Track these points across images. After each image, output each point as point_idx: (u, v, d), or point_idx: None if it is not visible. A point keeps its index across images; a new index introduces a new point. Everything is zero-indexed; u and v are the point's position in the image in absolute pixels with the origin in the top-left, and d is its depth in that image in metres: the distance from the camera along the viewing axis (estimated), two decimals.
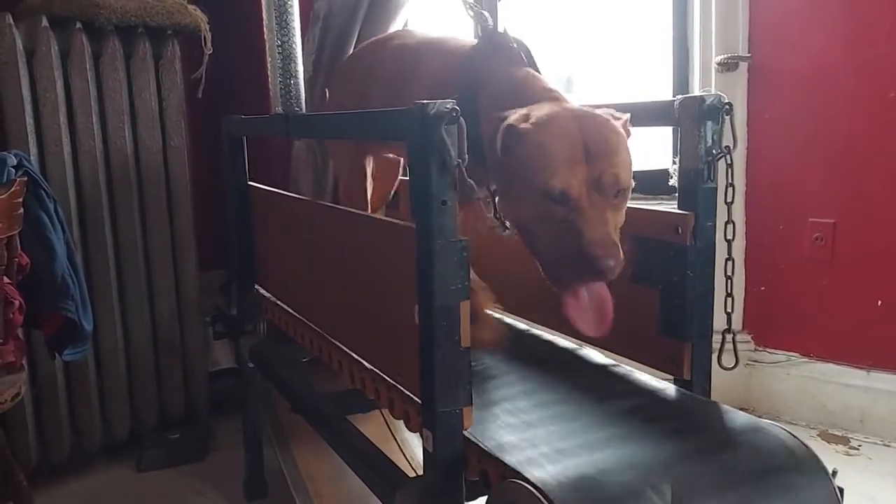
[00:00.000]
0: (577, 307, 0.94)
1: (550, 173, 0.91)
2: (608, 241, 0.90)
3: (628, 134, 0.99)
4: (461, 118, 0.87)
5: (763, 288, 2.17)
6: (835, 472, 0.88)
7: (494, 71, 1.09)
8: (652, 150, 2.20)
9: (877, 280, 1.99)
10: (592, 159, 0.92)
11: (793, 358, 2.14)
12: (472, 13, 1.19)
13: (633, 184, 0.98)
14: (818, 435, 2.03)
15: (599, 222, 0.90)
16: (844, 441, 2.00)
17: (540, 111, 0.97)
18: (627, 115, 1.00)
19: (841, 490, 0.88)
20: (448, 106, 0.86)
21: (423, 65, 1.22)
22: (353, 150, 1.51)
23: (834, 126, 2.01)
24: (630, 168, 0.96)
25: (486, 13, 1.16)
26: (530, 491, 0.79)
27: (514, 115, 0.96)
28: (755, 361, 2.18)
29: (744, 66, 2.11)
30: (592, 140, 0.93)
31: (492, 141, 0.97)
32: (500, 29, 1.13)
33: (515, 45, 1.11)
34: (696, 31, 2.16)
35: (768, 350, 2.18)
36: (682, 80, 2.22)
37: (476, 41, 1.17)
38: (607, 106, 1.01)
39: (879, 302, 1.99)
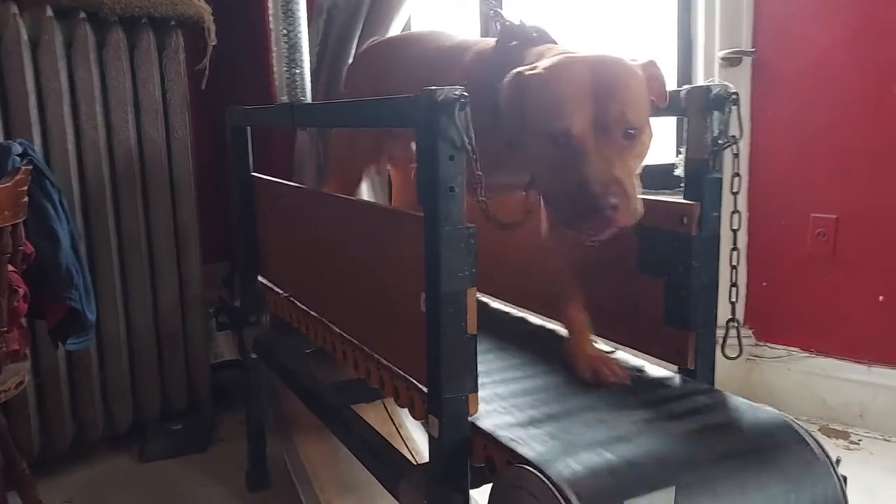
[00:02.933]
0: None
1: (554, 114, 0.91)
2: (609, 178, 0.88)
3: (659, 80, 0.97)
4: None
5: (764, 283, 2.17)
6: (838, 461, 0.89)
7: (517, 57, 1.10)
8: (656, 143, 2.20)
9: (878, 276, 1.99)
10: (599, 98, 0.90)
11: (794, 353, 2.14)
12: (490, 10, 1.20)
13: (652, 133, 0.96)
14: (819, 429, 2.04)
15: (602, 161, 0.89)
16: (845, 435, 2.00)
17: (548, 60, 0.97)
18: (652, 59, 0.98)
19: (844, 478, 0.88)
20: (456, 92, 0.86)
21: (456, 62, 1.22)
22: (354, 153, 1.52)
23: (837, 122, 2.01)
24: (642, 108, 0.93)
25: (497, 10, 1.17)
26: (535, 475, 0.80)
27: (522, 67, 0.96)
28: (756, 356, 2.18)
29: (747, 60, 2.11)
30: (601, 80, 0.91)
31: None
32: (516, 22, 1.14)
33: (535, 34, 1.12)
34: (699, 26, 2.16)
35: (769, 345, 2.18)
36: (685, 74, 2.22)
37: (496, 40, 1.17)
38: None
39: (881, 297, 1.99)
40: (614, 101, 0.90)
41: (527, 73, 0.95)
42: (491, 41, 1.21)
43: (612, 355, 1.14)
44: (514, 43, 1.12)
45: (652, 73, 0.97)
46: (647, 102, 0.95)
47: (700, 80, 2.16)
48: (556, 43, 1.11)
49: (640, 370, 1.12)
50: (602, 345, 1.17)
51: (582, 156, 0.89)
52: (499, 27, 1.18)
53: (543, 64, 0.96)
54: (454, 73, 1.19)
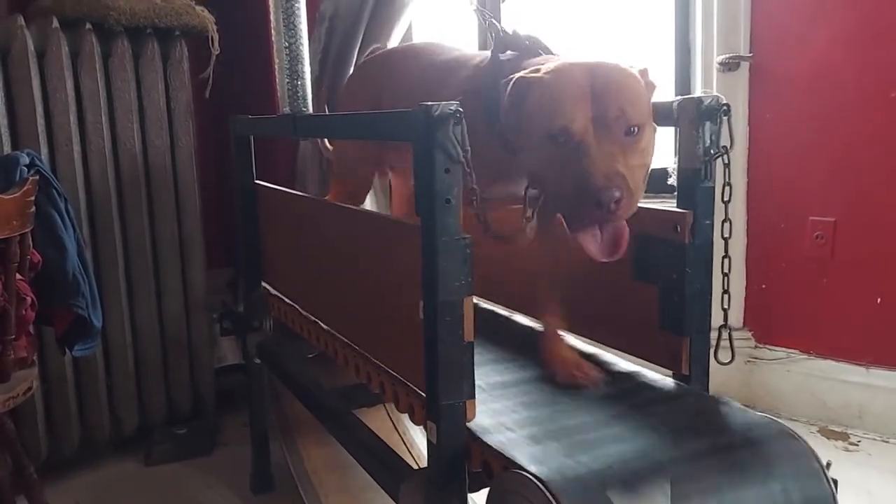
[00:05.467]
0: (589, 231, 0.94)
1: (554, 114, 0.93)
2: (610, 172, 0.90)
3: (651, 86, 1.00)
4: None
5: (764, 286, 2.19)
6: (829, 464, 0.91)
7: (514, 67, 1.12)
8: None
9: (876, 278, 2.00)
10: (597, 97, 0.93)
11: (793, 355, 2.16)
12: (484, 21, 1.22)
13: (655, 127, 0.98)
14: (818, 431, 2.05)
15: (603, 156, 0.91)
16: (844, 437, 2.02)
17: (548, 65, 0.99)
18: (646, 67, 1.01)
19: (835, 481, 0.90)
20: (452, 107, 0.88)
21: (454, 75, 1.25)
22: (361, 162, 1.55)
23: (834, 125, 2.02)
24: (642, 106, 0.96)
25: (496, 21, 1.19)
26: (530, 480, 0.82)
27: (524, 72, 0.99)
28: (756, 358, 2.20)
29: (745, 65, 2.12)
30: (599, 81, 0.94)
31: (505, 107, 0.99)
32: (510, 31, 1.16)
33: (528, 42, 1.14)
34: (697, 31, 2.18)
35: (769, 347, 2.19)
36: (683, 79, 2.24)
37: (490, 51, 1.19)
38: None
39: (879, 299, 2.00)
40: (613, 100, 0.93)
41: (528, 76, 0.97)
42: (489, 55, 1.24)
43: (591, 357, 1.17)
44: (509, 53, 1.15)
45: (645, 80, 1.00)
46: (646, 101, 0.98)
47: (698, 84, 2.18)
48: (551, 52, 1.14)
49: (634, 375, 1.14)
50: (581, 345, 1.19)
51: (584, 152, 0.91)
52: (493, 38, 1.20)
53: (544, 69, 0.98)
54: (451, 85, 1.21)
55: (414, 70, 1.37)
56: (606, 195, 0.88)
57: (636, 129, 0.94)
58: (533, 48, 1.15)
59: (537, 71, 0.99)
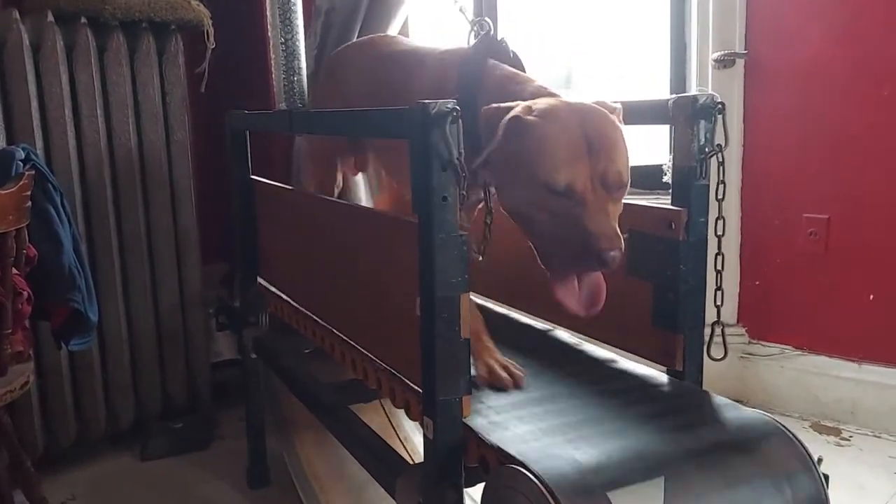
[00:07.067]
0: (568, 287, 0.97)
1: (555, 167, 0.94)
2: (612, 233, 0.93)
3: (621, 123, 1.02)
4: (461, 116, 0.89)
5: (758, 282, 2.20)
6: (820, 460, 0.92)
7: (492, 72, 1.12)
8: (648, 145, 2.23)
9: (869, 274, 2.02)
10: (595, 155, 0.95)
11: (786, 351, 2.17)
12: (470, 20, 1.22)
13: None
14: (811, 426, 2.07)
15: (603, 215, 0.94)
16: (836, 432, 2.03)
17: (541, 104, 0.99)
18: (618, 106, 1.02)
19: (826, 477, 0.91)
20: (449, 105, 0.88)
21: (423, 67, 1.25)
22: (328, 150, 1.56)
23: (829, 122, 2.03)
24: (629, 162, 0.99)
25: (486, 20, 1.19)
26: (525, 475, 0.82)
27: (517, 108, 0.99)
28: (749, 354, 2.21)
29: (740, 62, 2.13)
30: (594, 135, 0.96)
31: (488, 132, 0.99)
32: (499, 37, 1.16)
33: (513, 55, 1.14)
34: (693, 28, 2.19)
35: (762, 343, 2.21)
36: (679, 76, 2.24)
37: (474, 45, 1.19)
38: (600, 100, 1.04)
39: (871, 296, 2.02)
40: (611, 161, 0.95)
41: (525, 117, 0.97)
42: (459, 48, 1.23)
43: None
44: (490, 56, 1.15)
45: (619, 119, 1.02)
46: (629, 155, 0.99)
47: (693, 81, 2.19)
48: (526, 73, 1.14)
49: (629, 372, 1.15)
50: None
51: (584, 210, 0.94)
52: (475, 32, 1.20)
53: (537, 108, 0.98)
54: (424, 73, 1.21)
55: (384, 60, 1.37)
56: (609, 256, 0.92)
57: (625, 185, 0.98)
58: (513, 59, 1.15)
59: (528, 109, 0.98)
